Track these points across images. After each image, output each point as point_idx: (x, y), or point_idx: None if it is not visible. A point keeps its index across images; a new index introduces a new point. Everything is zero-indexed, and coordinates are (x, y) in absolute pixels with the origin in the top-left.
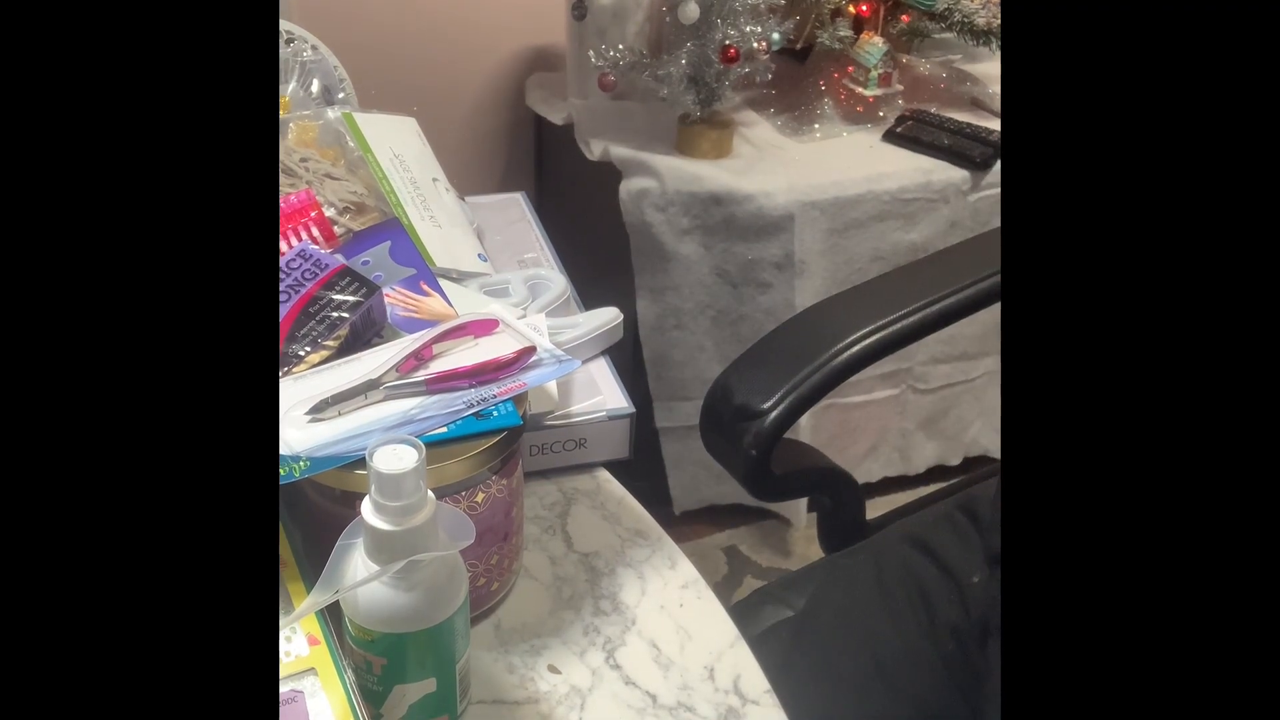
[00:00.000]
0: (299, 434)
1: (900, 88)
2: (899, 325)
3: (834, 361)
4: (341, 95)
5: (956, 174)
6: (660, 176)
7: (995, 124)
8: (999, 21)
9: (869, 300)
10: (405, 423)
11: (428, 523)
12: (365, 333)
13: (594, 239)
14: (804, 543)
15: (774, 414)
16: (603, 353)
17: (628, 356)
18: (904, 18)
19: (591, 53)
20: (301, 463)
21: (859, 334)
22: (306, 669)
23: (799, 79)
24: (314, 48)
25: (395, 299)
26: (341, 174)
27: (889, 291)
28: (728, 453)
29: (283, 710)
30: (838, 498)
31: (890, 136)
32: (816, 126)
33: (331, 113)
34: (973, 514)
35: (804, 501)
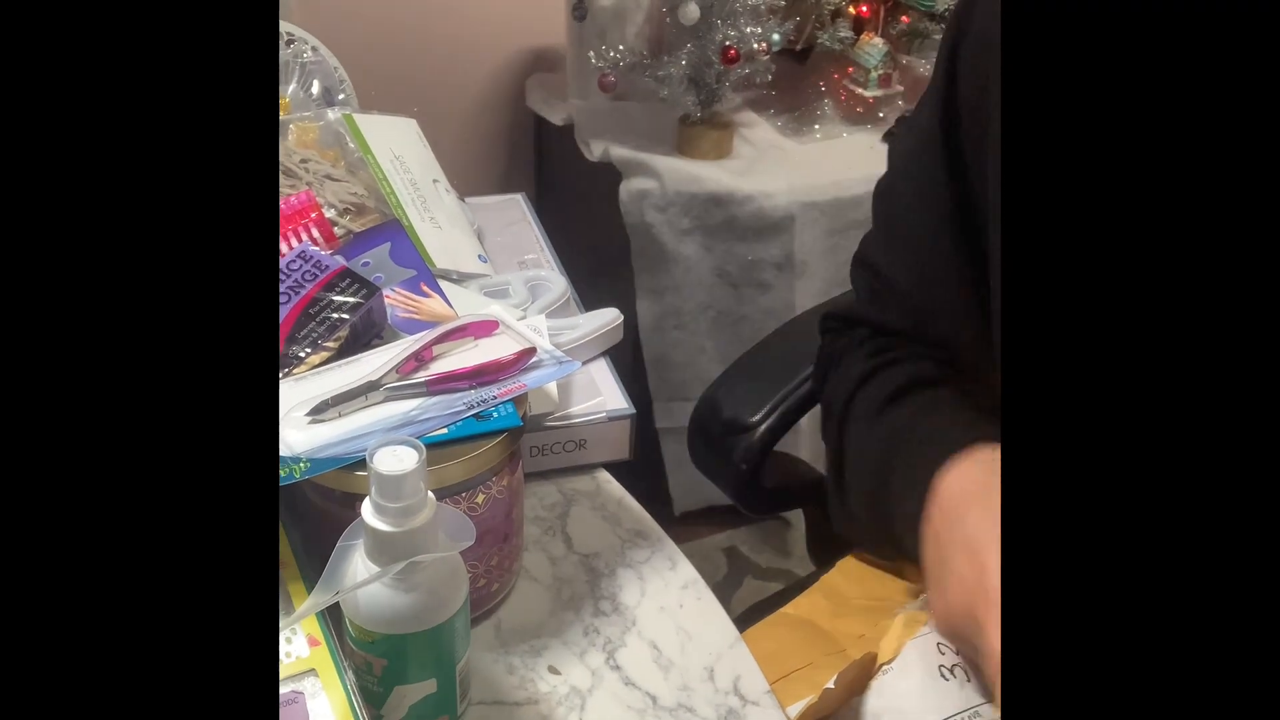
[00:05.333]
0: (299, 435)
1: (900, 88)
2: None
3: None
4: (342, 96)
5: None
6: (660, 177)
7: None
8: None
9: None
10: (405, 424)
11: (428, 524)
12: (365, 334)
13: (594, 239)
14: (804, 544)
15: (763, 427)
16: (603, 354)
17: (628, 357)
18: (904, 18)
19: (591, 53)
20: (302, 464)
21: None
22: (307, 670)
23: (799, 80)
24: (314, 49)
25: (395, 300)
26: (342, 175)
27: None
28: (718, 468)
29: (283, 711)
30: (827, 509)
31: (890, 137)
32: (817, 127)
33: (331, 114)
34: None
35: None
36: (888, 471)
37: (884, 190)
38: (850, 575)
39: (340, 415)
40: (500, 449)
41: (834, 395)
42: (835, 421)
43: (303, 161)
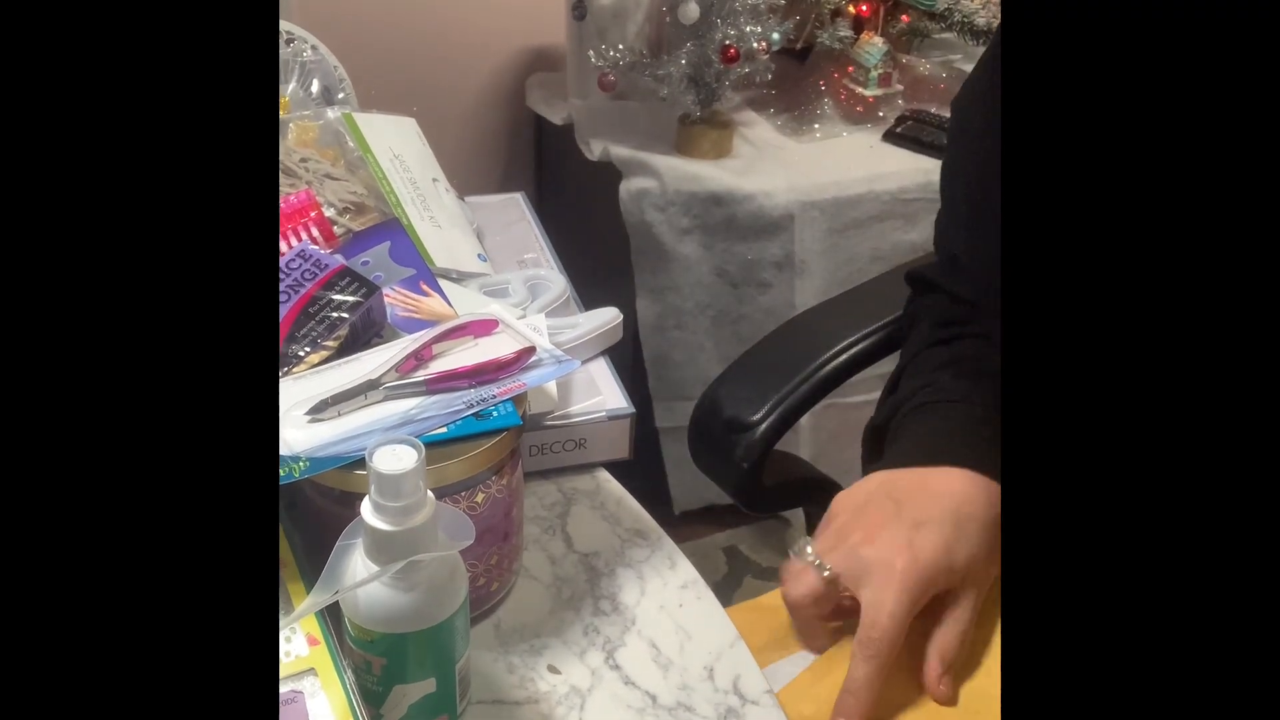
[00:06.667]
0: (299, 434)
1: (900, 88)
2: (886, 331)
3: (822, 371)
4: (341, 95)
5: None
6: (660, 176)
7: None
8: (999, 21)
9: (855, 307)
10: (405, 423)
11: (427, 523)
12: (365, 333)
13: (594, 239)
14: None
15: (764, 426)
16: (602, 353)
17: (628, 356)
18: (904, 18)
19: (591, 53)
20: (301, 463)
21: (846, 342)
22: (306, 669)
23: (799, 79)
24: (314, 48)
25: (395, 299)
26: (341, 174)
27: (875, 297)
28: (718, 466)
29: (282, 710)
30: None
31: (890, 136)
32: (816, 126)
33: (331, 113)
34: None
35: None
36: (904, 420)
37: (947, 168)
38: None
39: (340, 414)
40: (500, 448)
41: (905, 351)
42: (897, 369)
43: (302, 160)
